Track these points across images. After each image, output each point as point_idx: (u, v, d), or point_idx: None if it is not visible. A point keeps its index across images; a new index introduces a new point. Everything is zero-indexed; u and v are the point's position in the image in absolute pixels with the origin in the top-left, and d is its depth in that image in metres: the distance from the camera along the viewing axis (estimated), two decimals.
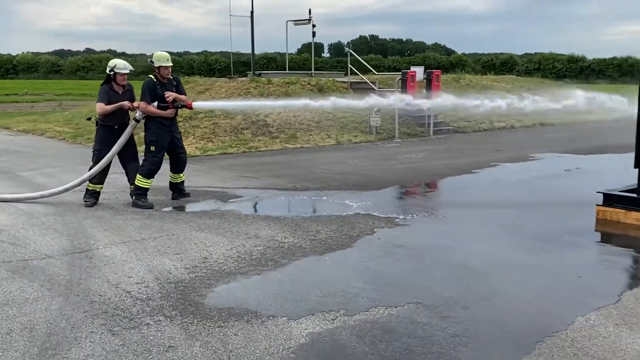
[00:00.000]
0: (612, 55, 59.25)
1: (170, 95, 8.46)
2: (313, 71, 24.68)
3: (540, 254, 6.33)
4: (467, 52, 79.74)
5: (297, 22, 25.40)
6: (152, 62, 8.42)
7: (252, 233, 7.16)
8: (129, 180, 8.77)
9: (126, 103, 8.49)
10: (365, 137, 17.74)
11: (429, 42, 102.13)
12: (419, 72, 18.59)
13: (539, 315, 4.66)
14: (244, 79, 22.13)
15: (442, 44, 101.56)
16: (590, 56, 60.49)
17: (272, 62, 65.07)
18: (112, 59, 8.75)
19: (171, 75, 8.64)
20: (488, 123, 21.13)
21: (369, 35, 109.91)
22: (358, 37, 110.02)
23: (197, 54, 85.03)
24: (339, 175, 11.32)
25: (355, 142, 17.10)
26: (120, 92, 8.53)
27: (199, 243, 6.75)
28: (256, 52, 34.56)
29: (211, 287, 5.34)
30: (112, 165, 8.75)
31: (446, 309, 4.78)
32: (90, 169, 8.67)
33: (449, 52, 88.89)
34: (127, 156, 8.70)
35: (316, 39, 25.73)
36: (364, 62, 23.69)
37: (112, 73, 8.40)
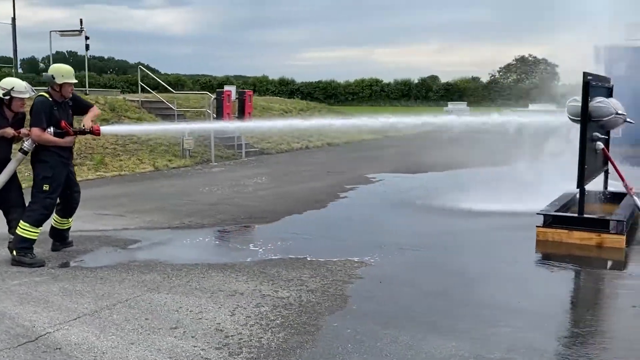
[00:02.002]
0: (317, 79, 64.21)
1: (91, 125, 6.74)
2: (87, 88, 22.16)
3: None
4: (169, 72, 77.89)
5: (65, 33, 22.66)
6: (54, 78, 6.49)
7: (228, 289, 5.87)
8: (10, 230, 6.65)
9: (9, 130, 6.43)
10: (180, 161, 16.37)
11: (131, 60, 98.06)
12: (233, 92, 17.74)
13: None
14: None
15: (146, 64, 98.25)
16: (298, 79, 64.75)
17: None
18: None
19: None
20: (286, 144, 21.07)
21: (66, 51, 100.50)
22: (55, 52, 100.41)
23: None
24: (214, 207, 10.11)
25: (174, 167, 15.67)
26: (10, 119, 6.45)
27: (180, 310, 5.30)
28: None
29: None
30: None
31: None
32: None
33: (153, 71, 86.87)
34: (12, 198, 6.61)
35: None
36: (160, 81, 21.98)
37: (7, 97, 6.30)
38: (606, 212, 8.81)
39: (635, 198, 8.65)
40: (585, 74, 7.75)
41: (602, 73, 10.32)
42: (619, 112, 8.12)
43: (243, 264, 6.74)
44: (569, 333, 4.85)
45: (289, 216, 9.50)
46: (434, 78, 62.14)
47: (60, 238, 7.23)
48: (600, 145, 8.53)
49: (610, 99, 8.35)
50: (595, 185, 9.48)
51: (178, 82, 66.57)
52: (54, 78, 6.51)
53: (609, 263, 7.07)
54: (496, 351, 4.43)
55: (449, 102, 34.16)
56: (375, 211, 9.91)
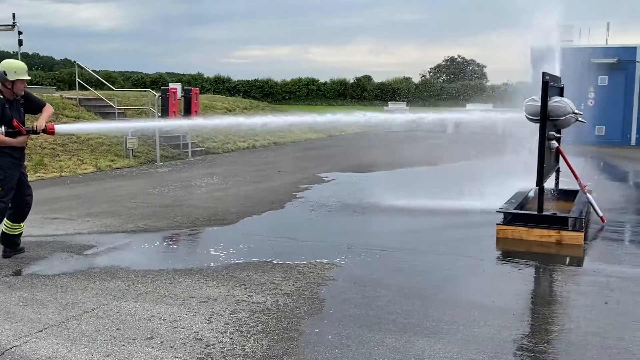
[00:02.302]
0: (253, 77, 62.96)
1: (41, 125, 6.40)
2: None
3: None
4: (97, 69, 74.62)
5: None
6: (5, 74, 6.11)
7: (200, 295, 5.66)
8: None
9: None
10: (124, 161, 15.86)
11: (57, 57, 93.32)
12: (178, 89, 17.31)
13: None
14: None
15: (73, 60, 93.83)
16: (234, 77, 63.21)
17: None
18: None
19: None
20: (232, 143, 20.77)
21: None
22: None
23: None
24: (169, 209, 9.81)
25: (117, 168, 15.18)
26: None
27: (153, 319, 5.07)
28: None
29: None
30: None
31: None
32: None
33: (80, 67, 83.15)
34: None
35: None
36: (99, 77, 21.24)
37: None
38: (559, 209, 9.01)
39: (589, 195, 8.89)
40: (544, 74, 7.90)
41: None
42: (575, 111, 8.31)
43: (210, 268, 6.53)
44: (550, 331, 4.88)
45: (248, 217, 9.31)
46: (368, 78, 62.51)
47: (11, 244, 6.85)
48: (554, 144, 8.71)
49: (565, 99, 8.54)
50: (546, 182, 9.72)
51: (108, 79, 64.35)
52: (5, 74, 6.14)
53: (572, 260, 7.19)
54: (485, 352, 4.41)
55: (389, 102, 34.50)
56: (334, 211, 9.83)
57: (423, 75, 63.13)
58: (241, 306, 5.35)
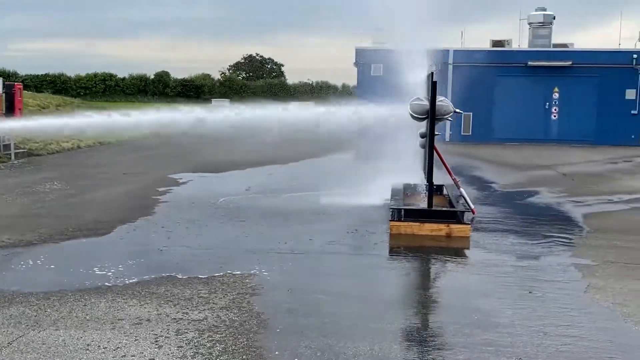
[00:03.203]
0: (38, 71, 57.61)
1: None
2: None
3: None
4: None
5: None
6: None
7: (128, 316, 5.05)
8: None
9: None
10: None
11: None
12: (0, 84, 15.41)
13: None
14: None
15: None
16: (19, 72, 57.43)
17: None
18: None
19: None
20: (56, 144, 19.04)
21: None
22: None
23: None
24: (24, 219, 8.72)
25: None
26: None
27: (90, 348, 4.42)
28: None
29: None
30: None
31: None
32: None
33: None
34: None
35: None
36: None
37: None
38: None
39: (462, 190, 9.41)
40: (431, 74, 8.19)
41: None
42: (457, 110, 8.74)
43: (118, 285, 5.87)
44: (501, 323, 5.02)
45: (122, 225, 8.52)
46: (166, 74, 60.77)
47: None
48: None
49: (446, 98, 8.93)
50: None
51: None
52: None
53: (471, 253, 7.51)
54: (463, 350, 4.43)
55: (212, 99, 33.98)
56: (213, 215, 9.35)
57: (223, 73, 62.94)
58: (183, 325, 4.85)
